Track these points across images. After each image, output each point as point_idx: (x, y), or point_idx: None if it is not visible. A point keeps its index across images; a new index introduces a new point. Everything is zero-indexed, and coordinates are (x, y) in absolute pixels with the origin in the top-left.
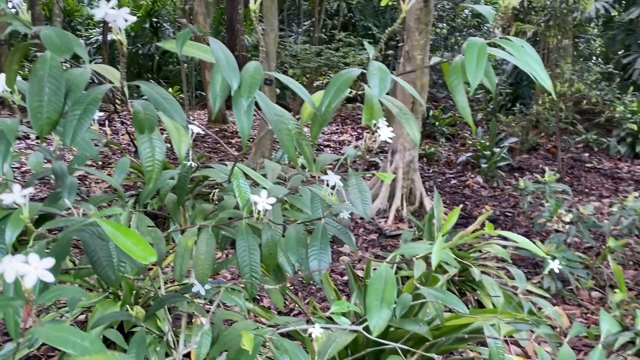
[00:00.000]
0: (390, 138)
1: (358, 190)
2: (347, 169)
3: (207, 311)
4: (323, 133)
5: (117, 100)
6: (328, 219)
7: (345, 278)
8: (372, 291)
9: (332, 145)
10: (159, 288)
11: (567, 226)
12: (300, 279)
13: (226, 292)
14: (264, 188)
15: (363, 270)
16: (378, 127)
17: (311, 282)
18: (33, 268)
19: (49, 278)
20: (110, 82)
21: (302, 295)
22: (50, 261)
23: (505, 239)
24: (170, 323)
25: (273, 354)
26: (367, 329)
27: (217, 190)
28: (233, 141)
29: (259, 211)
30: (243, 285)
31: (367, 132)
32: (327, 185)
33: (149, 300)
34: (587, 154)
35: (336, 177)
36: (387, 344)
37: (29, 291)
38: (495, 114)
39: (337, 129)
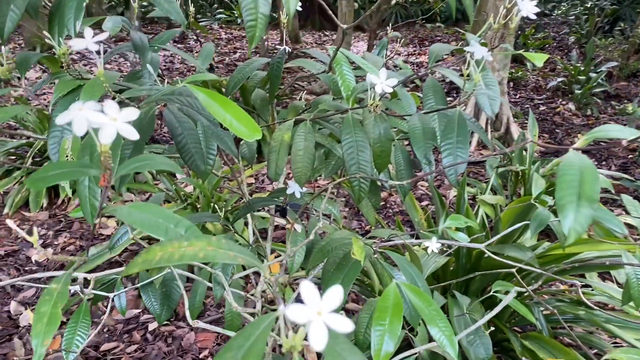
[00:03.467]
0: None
1: (484, 83)
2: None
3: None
4: (399, 54)
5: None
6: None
7: (424, 203)
8: (564, 183)
9: (410, 67)
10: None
11: None
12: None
13: (318, 198)
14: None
15: (445, 197)
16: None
17: (393, 204)
18: (110, 119)
19: (132, 134)
20: None
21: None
22: (134, 111)
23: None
24: (256, 232)
25: (369, 266)
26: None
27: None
28: None
29: (374, 96)
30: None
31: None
32: (470, 60)
33: (227, 214)
34: None
35: (483, 50)
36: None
37: (105, 152)
38: (592, 37)
39: (414, 51)
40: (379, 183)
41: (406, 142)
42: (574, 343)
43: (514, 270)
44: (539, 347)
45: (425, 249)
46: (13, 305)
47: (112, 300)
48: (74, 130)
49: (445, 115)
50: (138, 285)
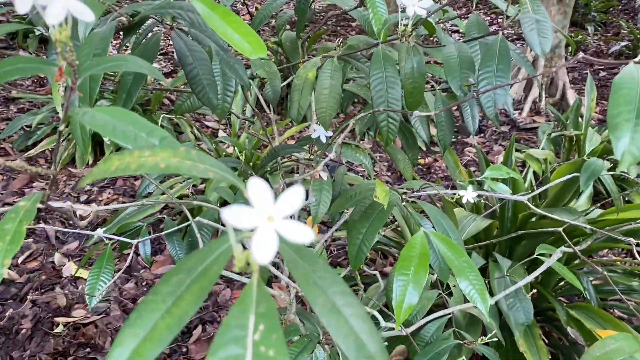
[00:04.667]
0: None
1: (534, 17)
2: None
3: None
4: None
5: None
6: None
7: (470, 169)
8: (619, 99)
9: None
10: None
11: None
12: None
13: (348, 148)
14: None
15: (492, 163)
16: None
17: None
18: None
19: (86, 14)
20: None
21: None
22: None
23: None
24: (283, 181)
25: (402, 223)
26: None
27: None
28: (353, 24)
29: (405, 24)
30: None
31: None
32: None
33: (266, 173)
34: None
35: None
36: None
37: (62, 40)
38: None
39: (466, 12)
40: (413, 130)
41: (455, 110)
42: (625, 316)
43: (560, 229)
44: (586, 318)
45: (461, 201)
46: (57, 257)
47: (137, 247)
48: (16, 8)
49: (486, 44)
50: (162, 233)
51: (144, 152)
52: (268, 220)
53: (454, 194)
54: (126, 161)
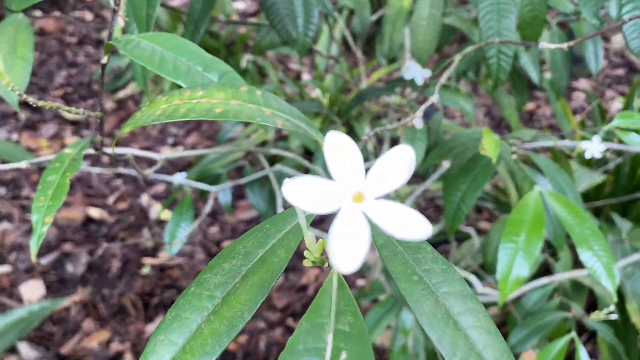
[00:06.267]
0: None
1: None
2: None
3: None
4: None
5: None
6: None
7: (579, 118)
8: None
9: None
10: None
11: None
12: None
13: (447, 91)
14: None
15: (606, 111)
16: None
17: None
18: None
19: None
20: None
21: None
22: None
23: None
24: (370, 127)
25: (506, 177)
26: None
27: None
28: None
29: None
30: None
31: None
32: None
33: (351, 120)
34: None
35: None
36: None
37: None
38: None
39: None
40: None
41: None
42: None
43: None
44: None
45: (582, 155)
46: (145, 198)
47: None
48: None
49: None
50: (243, 180)
51: (196, 91)
52: (354, 200)
53: (574, 147)
54: (174, 104)
